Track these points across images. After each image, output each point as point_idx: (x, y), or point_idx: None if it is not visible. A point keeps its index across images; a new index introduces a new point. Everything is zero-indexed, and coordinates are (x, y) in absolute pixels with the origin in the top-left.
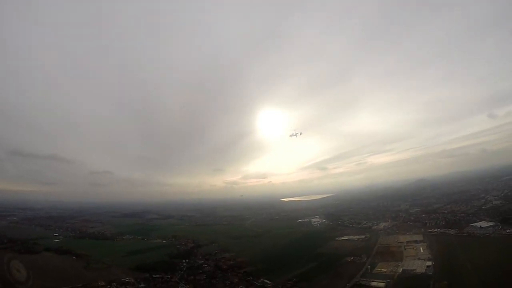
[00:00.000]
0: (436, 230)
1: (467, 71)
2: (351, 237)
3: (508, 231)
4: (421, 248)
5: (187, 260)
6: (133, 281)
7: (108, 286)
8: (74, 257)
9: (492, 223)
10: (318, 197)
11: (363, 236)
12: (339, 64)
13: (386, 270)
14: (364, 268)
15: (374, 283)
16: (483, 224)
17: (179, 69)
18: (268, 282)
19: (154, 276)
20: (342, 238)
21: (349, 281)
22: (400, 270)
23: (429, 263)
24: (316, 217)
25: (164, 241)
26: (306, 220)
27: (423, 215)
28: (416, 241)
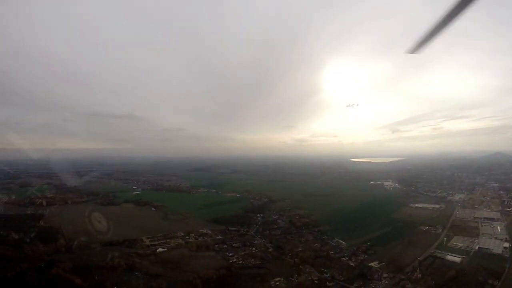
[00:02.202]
0: None
1: None
2: (425, 205)
3: None
4: (498, 227)
5: (261, 215)
6: (210, 232)
7: (187, 237)
8: (153, 208)
9: None
10: (389, 160)
11: (437, 206)
12: (413, 20)
13: (461, 245)
14: (439, 239)
15: (449, 257)
16: None
17: (246, 26)
18: (343, 242)
19: (230, 228)
20: (416, 206)
21: (424, 252)
22: (476, 247)
23: (507, 244)
24: (389, 181)
25: (237, 195)
26: (378, 182)
27: (501, 192)
28: (493, 219)
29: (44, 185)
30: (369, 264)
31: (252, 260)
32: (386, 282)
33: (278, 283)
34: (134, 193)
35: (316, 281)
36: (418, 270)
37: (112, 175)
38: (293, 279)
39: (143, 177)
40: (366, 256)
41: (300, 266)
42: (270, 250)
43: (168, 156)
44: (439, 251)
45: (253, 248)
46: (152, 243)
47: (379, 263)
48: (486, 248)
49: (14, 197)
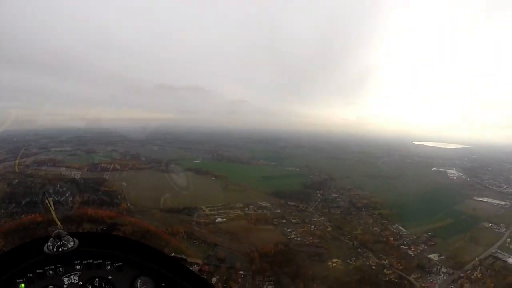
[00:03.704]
0: None
1: None
2: (490, 200)
3: None
4: None
5: (321, 192)
6: (269, 206)
7: (246, 209)
8: (213, 178)
9: None
10: (452, 146)
11: (503, 203)
12: None
13: None
14: (502, 239)
15: (511, 260)
16: None
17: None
18: (403, 229)
19: (289, 203)
20: (480, 199)
21: (485, 250)
22: None
23: None
24: (452, 169)
25: (297, 170)
26: (441, 169)
27: None
28: None
29: (108, 152)
30: (429, 256)
31: (311, 238)
32: (445, 277)
33: (335, 264)
34: (194, 161)
35: (373, 267)
36: (478, 270)
37: (174, 144)
38: (351, 262)
39: (204, 147)
40: (425, 247)
41: (359, 250)
42: (329, 229)
43: (230, 128)
44: (501, 252)
45: (312, 226)
46: (211, 212)
47: (438, 256)
48: None
49: (80, 162)
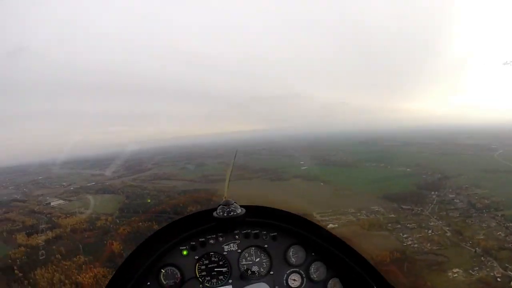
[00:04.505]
0: None
1: None
2: None
3: None
4: None
5: (436, 193)
6: (382, 210)
7: (358, 214)
8: (322, 183)
9: None
10: None
11: None
12: None
13: None
14: None
15: None
16: None
17: None
18: None
19: (403, 207)
20: None
21: None
22: None
23: None
24: None
25: (408, 170)
26: None
27: None
28: None
29: (217, 164)
30: None
31: (428, 244)
32: None
33: (456, 275)
34: (302, 168)
35: (498, 279)
36: None
37: (280, 153)
38: (473, 273)
39: (309, 153)
40: None
41: (482, 258)
42: (448, 234)
43: (331, 131)
44: None
45: (429, 231)
46: (323, 218)
47: None
48: None
49: (191, 175)
